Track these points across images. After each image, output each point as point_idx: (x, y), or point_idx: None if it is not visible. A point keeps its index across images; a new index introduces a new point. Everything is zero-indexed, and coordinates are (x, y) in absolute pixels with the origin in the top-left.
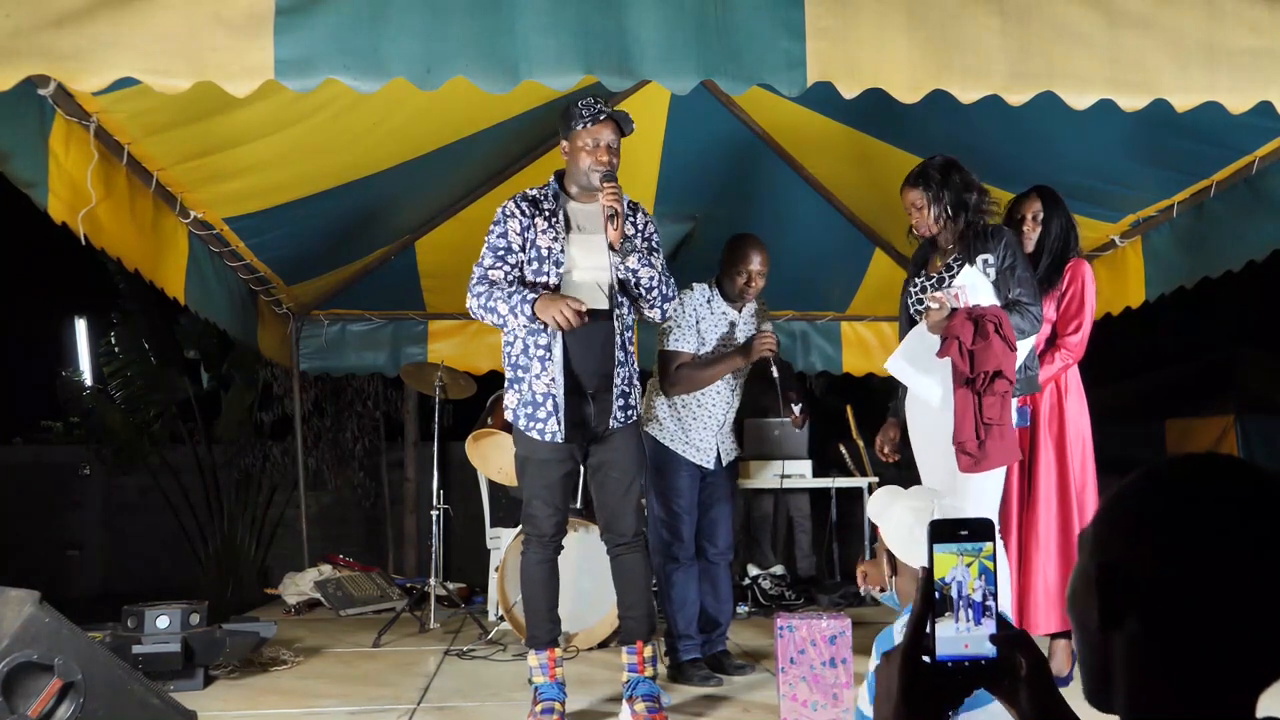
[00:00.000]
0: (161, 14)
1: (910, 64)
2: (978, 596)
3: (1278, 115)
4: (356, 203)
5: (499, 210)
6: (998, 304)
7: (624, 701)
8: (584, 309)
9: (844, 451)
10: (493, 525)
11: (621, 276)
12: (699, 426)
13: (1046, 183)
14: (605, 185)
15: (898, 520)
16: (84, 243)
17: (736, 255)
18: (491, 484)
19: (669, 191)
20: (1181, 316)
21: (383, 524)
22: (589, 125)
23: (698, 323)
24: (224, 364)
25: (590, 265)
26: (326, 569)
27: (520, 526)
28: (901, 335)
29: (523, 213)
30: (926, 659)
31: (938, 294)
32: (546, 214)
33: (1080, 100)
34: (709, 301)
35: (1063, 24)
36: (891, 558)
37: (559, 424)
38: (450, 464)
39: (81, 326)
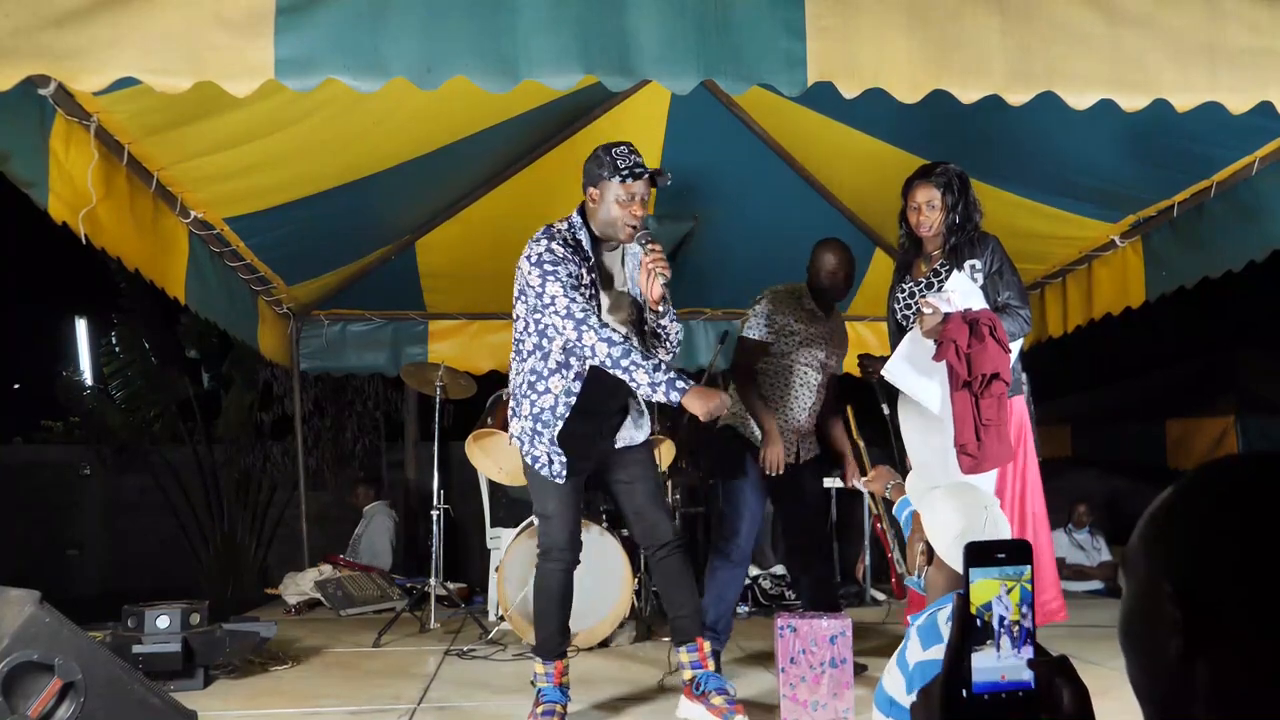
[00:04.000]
0: (161, 14)
1: (910, 64)
2: (1017, 623)
3: (1278, 115)
4: (356, 203)
5: (543, 247)
6: (987, 309)
7: (687, 698)
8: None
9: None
10: (493, 525)
11: (652, 328)
12: (778, 416)
13: (1046, 182)
14: (648, 247)
15: (946, 520)
16: (84, 242)
17: (824, 257)
18: (491, 484)
19: (669, 191)
20: (1182, 316)
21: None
22: (625, 181)
23: (780, 317)
24: (224, 364)
25: (615, 314)
26: (327, 569)
27: (521, 526)
28: (891, 341)
29: (571, 259)
30: (964, 692)
31: (930, 298)
32: (582, 261)
33: (1080, 100)
34: (805, 307)
35: (1063, 24)
36: (930, 548)
37: (560, 465)
38: (450, 464)
39: (82, 326)
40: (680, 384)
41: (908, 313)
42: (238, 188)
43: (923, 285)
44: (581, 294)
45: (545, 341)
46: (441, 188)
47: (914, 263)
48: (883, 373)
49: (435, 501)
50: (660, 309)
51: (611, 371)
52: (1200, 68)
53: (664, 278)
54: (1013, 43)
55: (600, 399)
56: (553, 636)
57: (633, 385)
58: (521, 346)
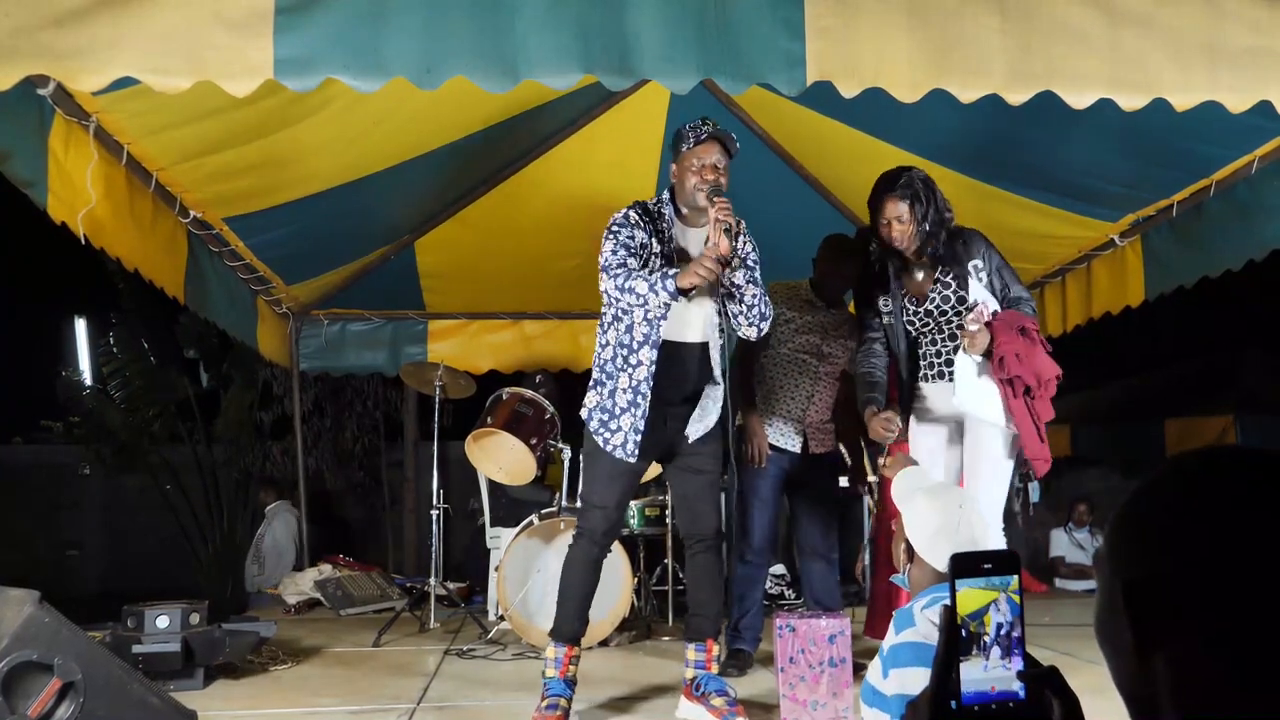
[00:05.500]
0: (161, 14)
1: (910, 63)
2: (1004, 633)
3: (1278, 115)
4: (356, 203)
5: (620, 214)
6: (998, 308)
7: (687, 698)
8: (724, 251)
9: (844, 451)
10: (493, 525)
11: (726, 291)
12: (776, 403)
13: (1046, 181)
14: (715, 200)
15: (923, 518)
16: (84, 243)
17: (827, 253)
18: (491, 484)
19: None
20: (1182, 316)
21: (383, 524)
22: (694, 146)
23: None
24: (224, 364)
25: (694, 294)
26: (326, 568)
27: (521, 525)
28: (905, 355)
29: (642, 226)
30: (953, 704)
31: (971, 317)
32: (662, 235)
33: (1080, 99)
34: (802, 297)
35: (1063, 23)
36: (910, 545)
37: (634, 444)
38: (450, 464)
39: (81, 326)
40: (669, 275)
41: (924, 329)
42: (237, 188)
43: (938, 300)
44: (634, 256)
45: (623, 313)
46: (441, 188)
47: (895, 272)
48: (956, 405)
49: (435, 501)
50: (734, 264)
51: (625, 298)
52: (1200, 67)
53: (728, 225)
54: (1012, 42)
55: (668, 389)
56: (569, 619)
57: (640, 301)
58: (604, 319)
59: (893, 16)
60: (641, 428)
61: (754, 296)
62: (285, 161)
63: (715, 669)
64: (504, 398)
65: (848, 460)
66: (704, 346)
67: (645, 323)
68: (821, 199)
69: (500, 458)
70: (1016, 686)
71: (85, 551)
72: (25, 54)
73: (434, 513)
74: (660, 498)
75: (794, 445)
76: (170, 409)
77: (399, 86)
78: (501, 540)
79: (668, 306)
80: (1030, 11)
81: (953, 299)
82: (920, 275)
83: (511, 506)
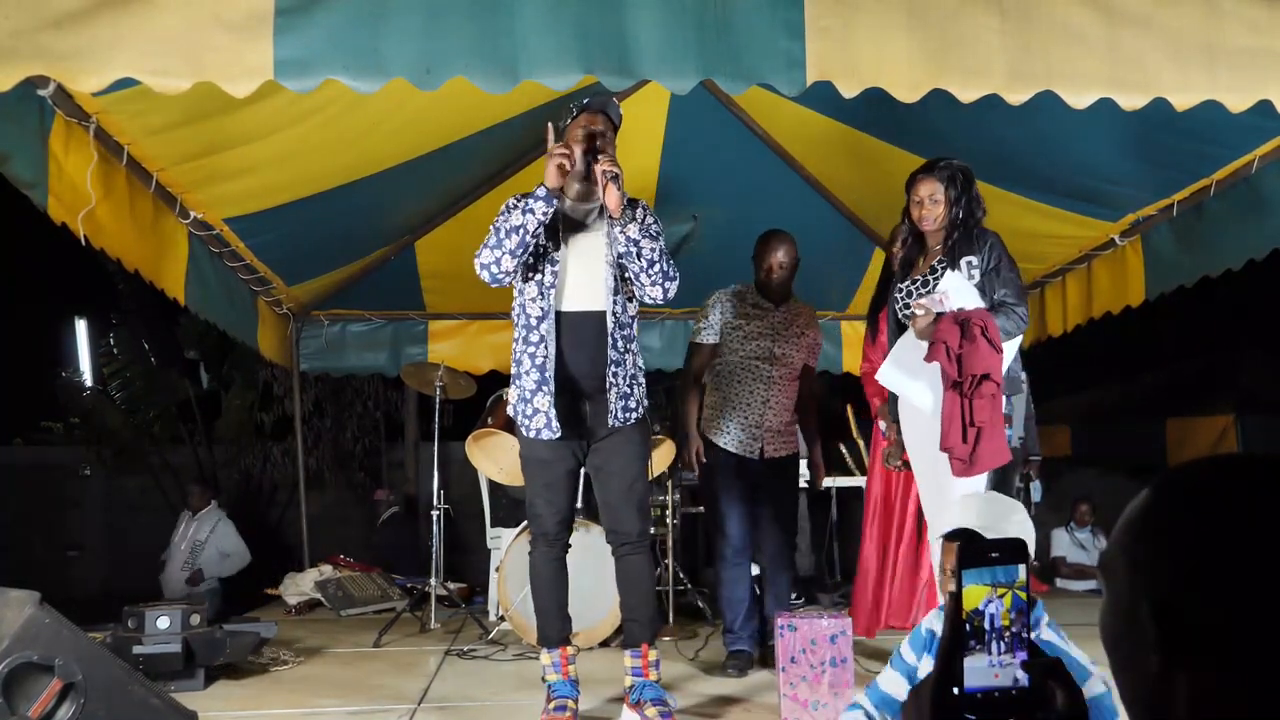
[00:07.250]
0: (161, 15)
1: (910, 63)
2: (1011, 626)
3: (1277, 114)
4: (356, 203)
5: (503, 205)
6: (983, 306)
7: (627, 706)
8: (566, 149)
9: (844, 451)
10: (493, 525)
11: (622, 249)
12: (732, 412)
13: (1046, 182)
14: (599, 157)
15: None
16: (84, 243)
17: (761, 250)
18: (491, 484)
19: (669, 191)
20: (1181, 316)
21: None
22: (576, 116)
23: (721, 316)
24: (224, 364)
25: (586, 262)
26: (327, 569)
27: (521, 525)
28: (891, 339)
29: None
30: (955, 690)
31: (922, 300)
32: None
33: (1080, 99)
34: (749, 302)
35: (1062, 23)
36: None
37: (547, 421)
38: (450, 464)
39: (81, 327)
40: (533, 194)
41: (908, 313)
42: (237, 188)
43: (919, 283)
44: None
45: (520, 295)
46: (441, 188)
47: (915, 260)
48: (876, 377)
49: (435, 501)
50: (622, 219)
51: (506, 245)
52: (1199, 67)
53: (612, 173)
54: (1012, 42)
55: (574, 363)
56: (551, 622)
57: (521, 234)
58: (514, 310)
59: (892, 16)
60: (552, 403)
61: (652, 250)
62: (285, 162)
63: (654, 676)
64: (504, 398)
65: (848, 455)
66: (604, 316)
67: (540, 295)
68: (821, 199)
69: (500, 458)
70: (1020, 677)
71: (86, 552)
72: (25, 55)
73: (434, 513)
74: (659, 498)
75: (753, 452)
76: (171, 410)
77: (399, 87)
78: (502, 540)
79: (554, 278)
80: (1030, 12)
81: (931, 284)
82: (923, 262)
83: (512, 506)
